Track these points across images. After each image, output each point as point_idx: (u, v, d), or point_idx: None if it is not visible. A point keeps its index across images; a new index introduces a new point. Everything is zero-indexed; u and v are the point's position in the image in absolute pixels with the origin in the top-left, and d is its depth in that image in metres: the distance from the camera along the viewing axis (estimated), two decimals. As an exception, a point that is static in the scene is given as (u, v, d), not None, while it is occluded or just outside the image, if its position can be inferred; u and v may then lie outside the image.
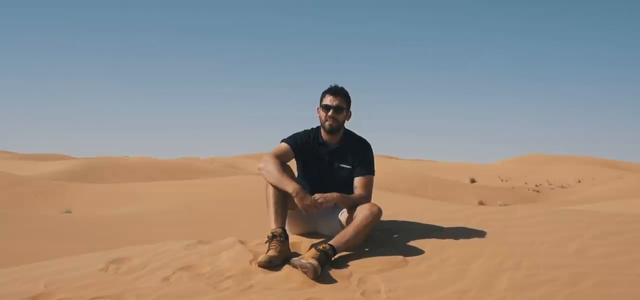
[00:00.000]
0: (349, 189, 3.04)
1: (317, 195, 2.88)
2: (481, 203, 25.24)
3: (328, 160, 3.13)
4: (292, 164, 3.17)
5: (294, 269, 2.72)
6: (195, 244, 3.23)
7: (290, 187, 2.87)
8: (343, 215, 3.05)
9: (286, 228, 2.98)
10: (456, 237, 3.23)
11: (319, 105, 3.16)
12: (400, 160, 72.41)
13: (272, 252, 2.81)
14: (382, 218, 3.04)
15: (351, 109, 3.21)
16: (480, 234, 3.33)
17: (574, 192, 31.52)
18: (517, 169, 51.67)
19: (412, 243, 3.14)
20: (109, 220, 9.70)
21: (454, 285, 2.60)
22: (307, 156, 3.13)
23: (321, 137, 3.16)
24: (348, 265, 2.82)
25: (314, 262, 2.65)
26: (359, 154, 3.13)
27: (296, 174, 3.14)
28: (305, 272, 2.65)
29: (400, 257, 2.93)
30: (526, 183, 40.41)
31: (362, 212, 2.90)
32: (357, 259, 2.90)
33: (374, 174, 3.15)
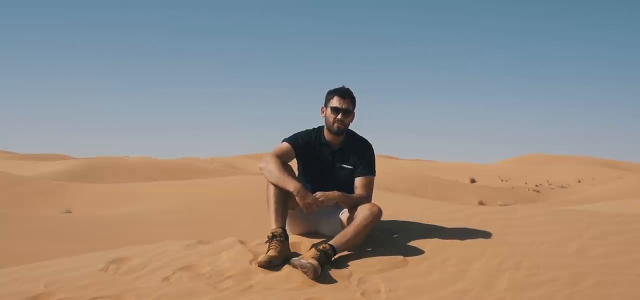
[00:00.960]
0: (350, 189, 3.04)
1: (318, 194, 2.89)
2: (481, 203, 25.25)
3: (330, 160, 3.13)
4: (293, 164, 3.16)
5: (294, 269, 2.72)
6: (195, 244, 3.23)
7: (291, 185, 2.86)
8: (344, 215, 3.05)
9: (286, 228, 2.98)
10: (456, 237, 3.23)
11: (324, 106, 3.13)
12: (400, 160, 72.39)
13: (272, 252, 2.80)
14: (382, 218, 3.04)
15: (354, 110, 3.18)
16: (481, 234, 3.33)
17: (574, 192, 31.50)
18: (517, 169, 51.64)
19: (412, 243, 3.15)
20: (109, 220, 9.68)
21: (455, 285, 2.61)
22: (308, 156, 3.12)
23: (323, 137, 3.15)
24: (348, 265, 2.82)
25: (314, 262, 2.64)
26: (360, 155, 3.12)
27: (297, 174, 3.14)
28: (305, 272, 2.65)
29: (401, 257, 2.93)
30: (526, 183, 40.39)
31: (362, 212, 2.90)
32: (357, 259, 2.90)
33: (374, 175, 3.15)
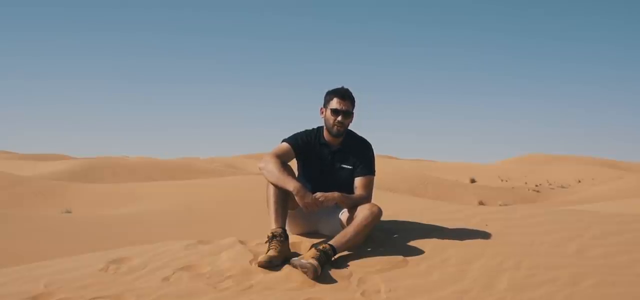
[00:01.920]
0: (350, 189, 3.04)
1: (318, 194, 2.88)
2: (481, 203, 25.16)
3: (329, 160, 3.12)
4: (293, 164, 3.17)
5: (294, 269, 2.72)
6: (195, 244, 3.23)
7: (291, 185, 2.86)
8: (343, 215, 3.05)
9: (286, 228, 2.97)
10: (456, 238, 3.23)
11: (323, 106, 3.13)
12: (400, 160, 72.29)
13: (272, 252, 2.80)
14: (382, 218, 3.04)
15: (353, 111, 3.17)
16: (481, 234, 3.33)
17: (574, 192, 31.48)
18: (517, 169, 51.58)
19: (412, 243, 3.14)
20: (109, 220, 9.65)
21: (455, 285, 2.60)
22: (308, 156, 3.12)
23: (323, 137, 3.15)
24: (348, 265, 2.82)
25: (314, 262, 2.64)
26: (360, 155, 3.12)
27: (296, 174, 3.14)
28: (305, 272, 2.65)
29: (401, 257, 2.93)
30: (526, 183, 40.35)
31: (362, 212, 2.90)
32: (357, 259, 2.90)
33: (374, 175, 3.15)
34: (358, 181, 3.06)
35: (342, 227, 3.02)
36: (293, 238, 3.17)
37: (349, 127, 3.18)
